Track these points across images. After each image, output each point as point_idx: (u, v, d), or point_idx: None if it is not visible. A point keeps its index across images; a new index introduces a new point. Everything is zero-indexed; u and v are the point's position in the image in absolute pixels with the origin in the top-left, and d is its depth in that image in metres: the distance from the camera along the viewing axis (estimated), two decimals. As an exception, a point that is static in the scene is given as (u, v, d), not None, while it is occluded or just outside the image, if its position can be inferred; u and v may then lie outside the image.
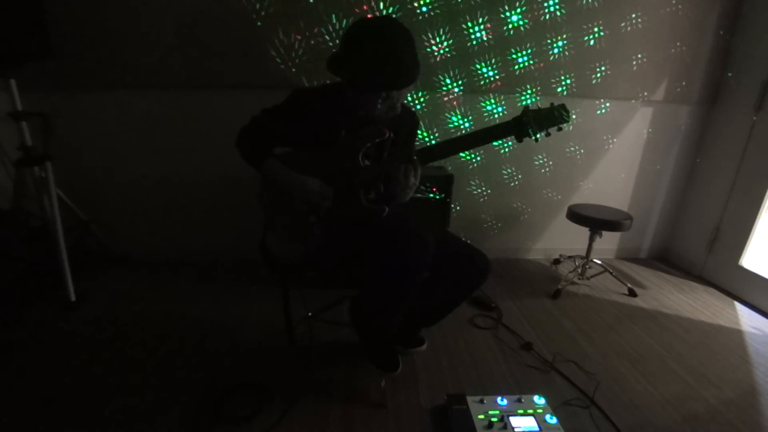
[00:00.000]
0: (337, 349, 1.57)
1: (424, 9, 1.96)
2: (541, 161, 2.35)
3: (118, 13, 1.87)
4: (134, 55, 1.94)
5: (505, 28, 2.03)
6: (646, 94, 2.24)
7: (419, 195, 2.03)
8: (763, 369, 1.57)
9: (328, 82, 1.23)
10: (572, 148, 2.34)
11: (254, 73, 1.99)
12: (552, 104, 1.14)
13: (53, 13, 1.76)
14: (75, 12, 1.86)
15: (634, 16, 2.07)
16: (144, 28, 1.91)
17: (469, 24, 2.00)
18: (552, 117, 1.13)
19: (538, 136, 1.14)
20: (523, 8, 1.99)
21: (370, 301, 1.28)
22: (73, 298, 1.82)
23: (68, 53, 1.89)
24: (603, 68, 2.16)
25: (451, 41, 2.03)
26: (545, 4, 2.00)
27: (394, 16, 1.95)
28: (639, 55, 2.15)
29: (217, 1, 1.87)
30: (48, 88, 1.97)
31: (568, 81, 2.17)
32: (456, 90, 2.13)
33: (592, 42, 2.10)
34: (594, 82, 2.18)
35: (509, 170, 2.34)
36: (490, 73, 2.11)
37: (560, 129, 1.15)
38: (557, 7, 2.01)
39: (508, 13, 2.00)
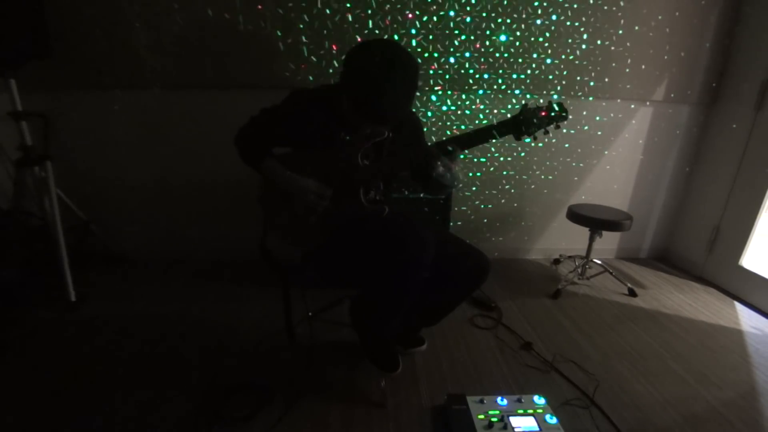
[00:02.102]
0: (337, 349, 1.57)
1: (413, 31, 1.98)
2: (540, 161, 2.34)
3: (118, 14, 1.87)
4: (134, 56, 1.94)
5: (504, 27, 2.04)
6: (645, 94, 2.24)
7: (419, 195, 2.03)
8: (763, 369, 1.57)
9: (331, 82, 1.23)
10: (572, 148, 2.33)
11: (254, 74, 1.99)
12: (550, 102, 1.14)
13: (53, 13, 1.76)
14: (74, 12, 1.86)
15: (633, 15, 2.07)
16: (144, 29, 1.90)
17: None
18: (550, 115, 1.13)
19: (536, 134, 1.14)
20: (520, 14, 2.00)
21: (370, 301, 1.28)
22: (73, 298, 1.82)
23: (68, 53, 1.89)
24: (601, 72, 2.16)
25: (442, 60, 2.06)
26: (542, 6, 2.00)
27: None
28: (638, 55, 2.15)
29: (217, 1, 1.88)
30: (48, 88, 1.97)
31: (566, 85, 2.16)
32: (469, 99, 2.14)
33: (589, 47, 2.10)
34: (593, 82, 2.18)
35: (509, 170, 2.34)
36: (486, 76, 2.11)
37: (558, 127, 1.16)
38: (556, 9, 2.02)
39: (502, 25, 2.01)
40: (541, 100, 2.18)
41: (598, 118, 2.28)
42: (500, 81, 2.13)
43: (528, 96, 2.18)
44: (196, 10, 1.89)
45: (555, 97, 2.18)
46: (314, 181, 1.17)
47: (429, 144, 1.21)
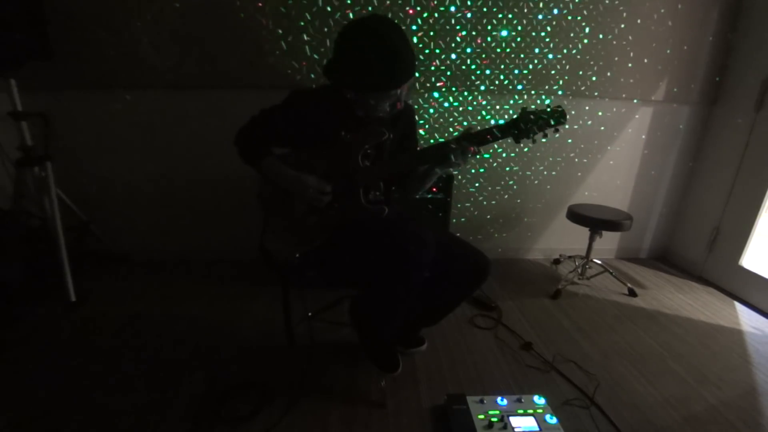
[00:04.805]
0: (337, 349, 1.57)
1: (414, 27, 1.98)
2: (540, 161, 2.34)
3: (118, 14, 1.87)
4: (134, 55, 1.94)
5: (502, 25, 2.03)
6: (646, 93, 2.23)
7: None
8: (763, 369, 1.57)
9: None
10: (572, 148, 2.34)
11: (254, 73, 1.99)
12: (549, 105, 1.14)
13: (53, 13, 1.76)
14: (75, 12, 1.86)
15: (633, 15, 2.07)
16: (144, 29, 1.90)
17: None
18: (549, 118, 1.13)
19: (535, 137, 1.14)
20: (521, 9, 2.00)
21: (370, 301, 1.28)
22: (73, 298, 1.82)
23: (68, 53, 1.89)
24: (602, 68, 2.16)
25: (444, 57, 2.06)
26: (542, 5, 2.00)
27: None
28: (639, 55, 2.15)
29: (218, 1, 1.87)
30: (48, 88, 1.97)
31: (568, 81, 2.17)
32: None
33: (591, 42, 2.10)
34: (594, 81, 2.18)
35: (509, 170, 2.34)
36: (488, 72, 2.11)
37: (557, 130, 1.16)
38: (556, 8, 2.02)
39: (503, 24, 2.01)
40: (539, 101, 2.19)
41: (600, 113, 2.27)
42: (502, 77, 2.13)
43: (526, 97, 2.18)
44: (197, 10, 1.89)
45: (561, 93, 2.19)
46: (314, 177, 1.17)
47: (435, 144, 1.20)
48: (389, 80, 1.07)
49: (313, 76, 2.02)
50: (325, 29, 1.94)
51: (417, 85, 2.09)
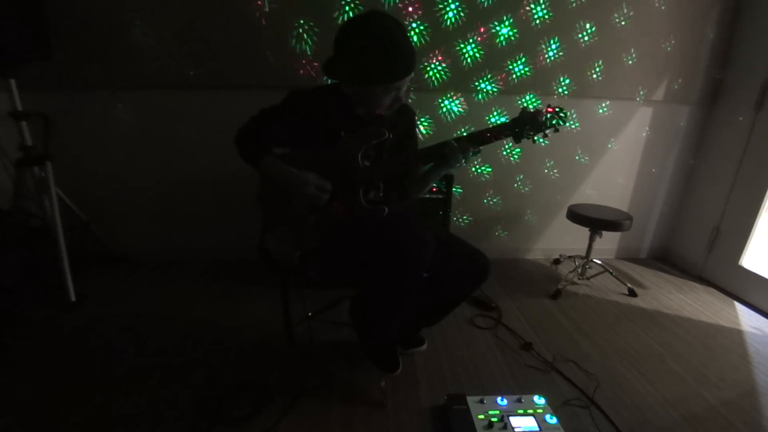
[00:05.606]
0: (337, 349, 1.57)
1: (413, 25, 1.98)
2: (540, 161, 2.34)
3: (118, 14, 1.87)
4: (134, 55, 1.94)
5: (503, 24, 2.03)
6: (645, 93, 2.24)
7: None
8: (763, 369, 1.57)
9: (328, 82, 1.23)
10: (572, 148, 2.34)
11: (254, 74, 1.99)
12: (550, 105, 1.14)
13: (53, 14, 1.76)
14: (75, 12, 1.86)
15: (632, 15, 2.07)
16: (144, 28, 1.90)
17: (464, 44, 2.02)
18: (550, 118, 1.13)
19: (535, 137, 1.14)
20: (519, 9, 2.00)
21: (369, 301, 1.28)
22: (73, 298, 1.82)
23: (68, 53, 1.89)
24: (602, 68, 2.16)
25: (444, 56, 2.06)
26: (539, 4, 2.00)
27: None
28: (638, 55, 2.15)
29: (218, 1, 1.87)
30: (48, 88, 1.97)
31: (567, 82, 2.16)
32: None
33: (590, 42, 2.10)
34: (593, 81, 2.18)
35: (509, 170, 2.34)
36: (488, 71, 2.11)
37: (557, 130, 1.15)
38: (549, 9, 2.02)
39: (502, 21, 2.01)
40: (539, 100, 2.19)
41: (600, 113, 2.27)
42: (500, 75, 2.12)
43: (526, 96, 2.18)
44: (196, 10, 1.89)
45: (561, 92, 2.19)
46: (314, 174, 1.17)
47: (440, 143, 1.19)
48: (389, 72, 1.07)
49: (301, 70, 2.02)
50: (325, 28, 1.94)
51: (416, 85, 2.09)
